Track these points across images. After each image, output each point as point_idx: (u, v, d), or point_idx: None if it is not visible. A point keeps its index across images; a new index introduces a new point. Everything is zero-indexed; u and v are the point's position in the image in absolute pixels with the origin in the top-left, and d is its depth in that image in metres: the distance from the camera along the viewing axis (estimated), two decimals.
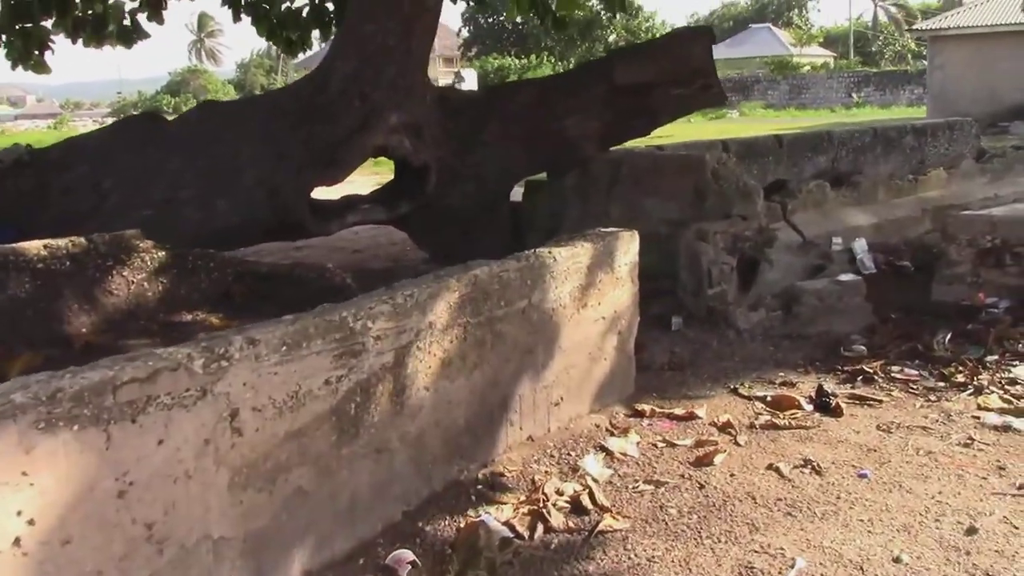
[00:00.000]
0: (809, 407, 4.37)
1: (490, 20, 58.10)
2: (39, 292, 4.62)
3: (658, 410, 4.33)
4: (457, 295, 3.35)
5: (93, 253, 4.88)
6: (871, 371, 4.83)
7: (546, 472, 3.63)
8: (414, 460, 3.24)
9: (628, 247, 4.38)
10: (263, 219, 7.23)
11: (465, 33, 60.06)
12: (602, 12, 55.43)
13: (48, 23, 9.84)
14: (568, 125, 7.45)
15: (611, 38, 56.03)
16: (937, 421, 4.19)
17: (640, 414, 4.30)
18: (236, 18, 10.17)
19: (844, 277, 5.89)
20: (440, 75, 69.68)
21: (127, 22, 10.13)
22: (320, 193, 8.03)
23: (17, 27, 9.65)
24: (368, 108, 7.02)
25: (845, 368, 4.99)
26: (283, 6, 10.21)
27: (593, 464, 3.66)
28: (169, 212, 7.32)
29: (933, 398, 4.49)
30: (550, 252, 3.88)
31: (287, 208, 7.09)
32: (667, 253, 6.35)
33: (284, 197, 7.08)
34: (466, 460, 3.49)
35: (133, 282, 5.02)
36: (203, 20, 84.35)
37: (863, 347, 5.32)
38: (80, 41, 10.32)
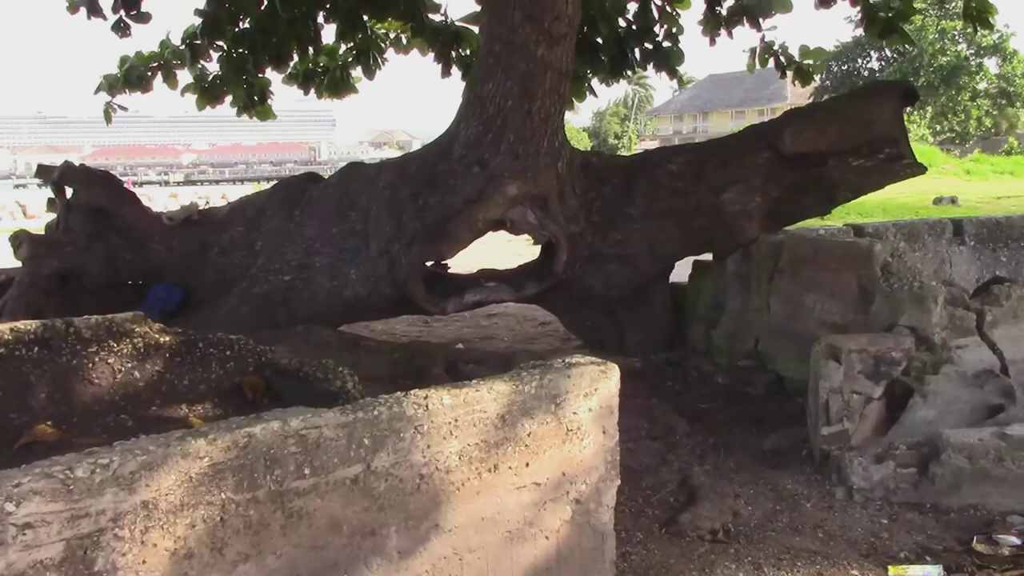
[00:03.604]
0: None
1: (844, 68, 55.00)
2: None
3: None
4: (206, 463, 2.47)
5: (72, 338, 4.46)
6: None
7: None
8: None
9: (593, 387, 3.24)
10: (386, 292, 6.69)
11: (817, 81, 57.16)
12: (970, 58, 50.73)
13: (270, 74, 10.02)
14: (726, 199, 6.22)
15: (980, 86, 50.82)
16: None
17: None
18: (446, 72, 9.78)
19: (1016, 428, 4.22)
20: None
21: (339, 75, 10.11)
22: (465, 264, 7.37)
23: (238, 79, 9.87)
24: (486, 177, 6.24)
25: (969, 572, 3.47)
26: None
27: None
28: (304, 278, 7.01)
29: None
30: (424, 398, 2.87)
31: (401, 282, 6.48)
32: None
33: (399, 271, 6.47)
34: None
35: (121, 371, 4.55)
36: None
37: (1017, 540, 3.73)
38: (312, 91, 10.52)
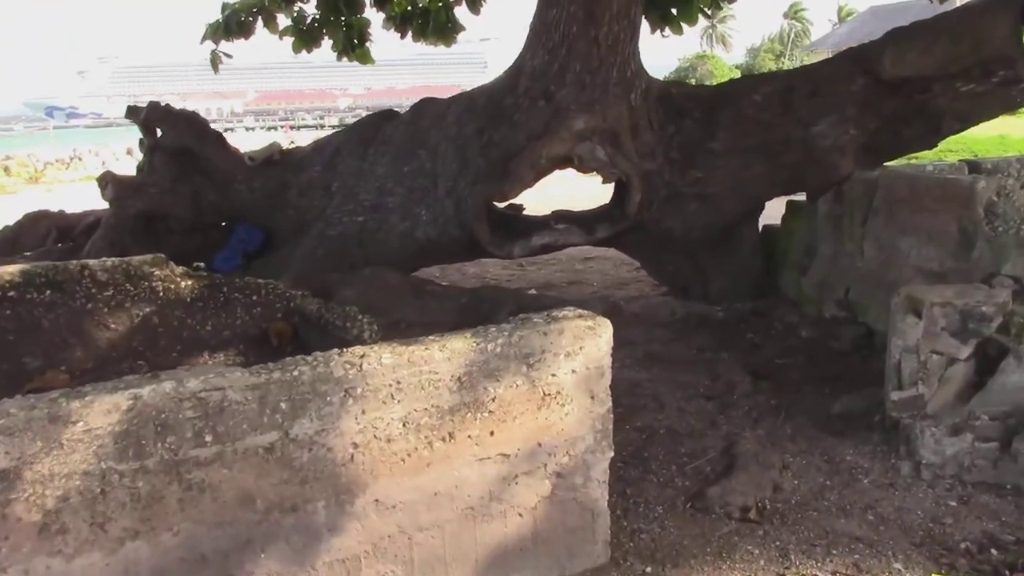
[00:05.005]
0: None
1: None
2: (7, 324, 4.15)
3: None
4: (80, 428, 2.20)
5: (87, 281, 4.30)
6: None
7: None
8: None
9: (577, 345, 2.81)
10: (455, 234, 6.36)
11: None
12: None
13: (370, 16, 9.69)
14: (816, 133, 5.58)
15: None
16: None
17: None
18: None
19: None
20: None
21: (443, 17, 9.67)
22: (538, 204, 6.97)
23: (336, 20, 9.59)
24: (551, 110, 5.79)
25: None
26: None
27: None
28: (377, 219, 6.76)
29: None
30: (360, 357, 2.52)
31: (466, 223, 6.14)
32: None
33: (465, 211, 6.12)
34: None
35: (139, 315, 4.37)
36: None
37: None
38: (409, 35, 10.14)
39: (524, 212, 6.91)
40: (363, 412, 2.52)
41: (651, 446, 4.02)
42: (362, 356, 2.53)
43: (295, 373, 2.44)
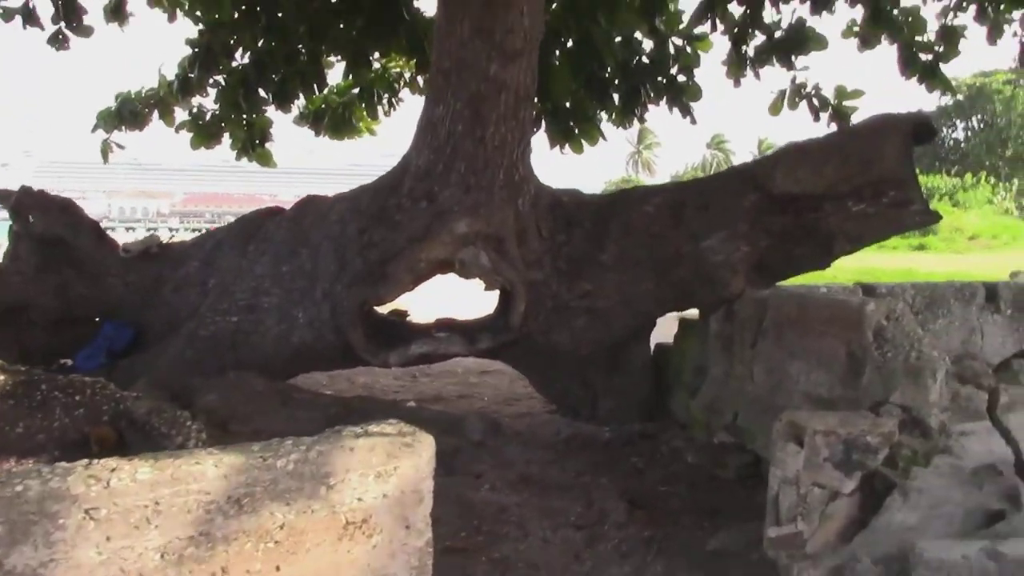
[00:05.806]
0: None
1: None
2: None
3: None
4: None
5: None
6: None
7: None
8: None
9: (390, 465, 2.41)
10: (330, 339, 5.95)
11: None
12: None
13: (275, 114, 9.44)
14: (707, 248, 5.35)
15: None
16: None
17: None
18: None
19: (1015, 546, 3.23)
20: None
21: (340, 113, 9.49)
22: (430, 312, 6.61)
23: (236, 118, 9.30)
24: (433, 212, 5.48)
25: None
26: None
27: None
28: (252, 320, 6.32)
29: None
30: (111, 471, 2.08)
31: (342, 328, 5.74)
32: None
33: (340, 315, 5.73)
34: None
35: None
36: (643, 133, 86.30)
37: None
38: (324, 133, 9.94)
39: (409, 319, 6.55)
40: (107, 539, 2.06)
41: None
42: (112, 469, 2.09)
43: (19, 488, 1.98)
